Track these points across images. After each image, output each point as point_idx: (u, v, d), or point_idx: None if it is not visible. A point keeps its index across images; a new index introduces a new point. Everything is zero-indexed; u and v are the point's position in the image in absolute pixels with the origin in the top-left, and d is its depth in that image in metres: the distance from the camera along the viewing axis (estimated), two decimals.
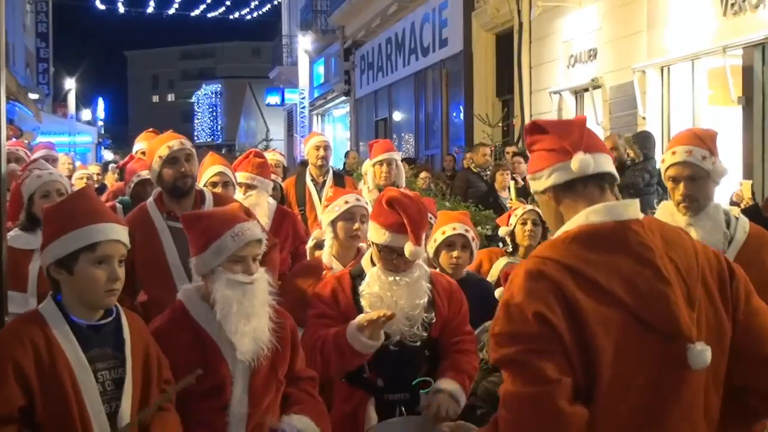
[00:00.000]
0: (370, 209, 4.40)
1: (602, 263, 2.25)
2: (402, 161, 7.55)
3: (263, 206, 5.66)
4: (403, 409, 3.87)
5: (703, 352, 2.21)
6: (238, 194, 5.63)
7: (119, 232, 2.96)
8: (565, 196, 2.44)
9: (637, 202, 2.39)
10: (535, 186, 2.52)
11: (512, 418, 2.22)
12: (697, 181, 3.64)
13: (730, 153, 9.42)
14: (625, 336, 2.21)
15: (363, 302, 3.89)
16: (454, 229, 4.69)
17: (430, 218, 4.61)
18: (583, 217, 2.34)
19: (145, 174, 6.08)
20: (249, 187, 5.72)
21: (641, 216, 2.37)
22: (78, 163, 16.44)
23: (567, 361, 2.17)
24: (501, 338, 2.26)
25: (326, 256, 4.64)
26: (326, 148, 8.11)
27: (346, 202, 4.57)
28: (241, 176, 5.72)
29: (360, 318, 3.71)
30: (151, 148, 4.82)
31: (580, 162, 2.39)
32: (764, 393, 2.39)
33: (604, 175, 2.44)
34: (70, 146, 29.03)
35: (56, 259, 2.89)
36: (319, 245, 5.06)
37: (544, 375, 2.15)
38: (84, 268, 2.87)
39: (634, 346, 2.22)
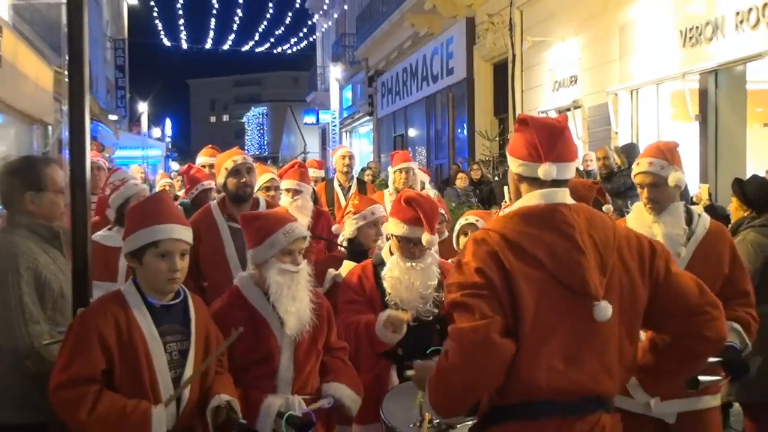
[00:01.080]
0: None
1: (531, 235, 2.40)
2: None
3: (307, 207, 5.68)
4: None
5: (605, 309, 2.35)
6: (286, 198, 5.64)
7: (180, 232, 2.96)
8: (525, 181, 2.56)
9: (566, 191, 2.51)
10: (509, 163, 2.63)
11: (456, 346, 2.35)
12: (657, 187, 3.60)
13: (689, 161, 9.36)
14: (545, 291, 2.36)
15: (385, 284, 3.91)
16: (466, 219, 4.75)
17: (443, 213, 4.67)
18: (525, 200, 2.51)
19: (206, 184, 6.21)
20: (295, 192, 5.73)
21: (570, 201, 2.50)
22: (175, 169, 16.51)
23: (500, 305, 2.33)
24: (452, 287, 2.44)
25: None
26: (351, 157, 8.14)
27: (373, 213, 4.64)
28: (289, 183, 5.70)
29: (386, 315, 3.72)
30: (219, 161, 4.87)
31: (545, 172, 2.49)
32: (697, 335, 2.52)
33: (561, 181, 2.53)
34: (143, 159, 29.10)
35: (130, 251, 2.92)
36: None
37: (481, 313, 2.32)
38: (150, 260, 2.89)
39: (554, 299, 2.37)
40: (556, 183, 2.51)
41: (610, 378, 2.39)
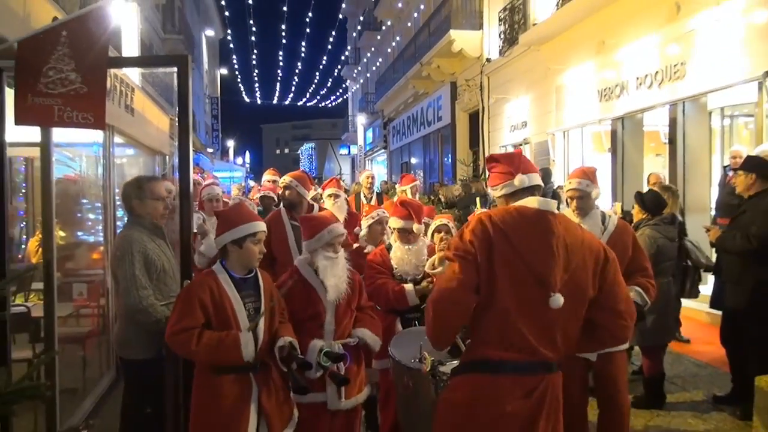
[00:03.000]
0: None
1: (519, 228, 2.20)
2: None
3: (343, 207, 5.70)
4: (417, 323, 3.83)
5: (558, 299, 2.14)
6: (329, 201, 5.65)
7: (264, 227, 3.00)
8: (511, 199, 2.34)
9: (555, 202, 2.29)
10: (494, 193, 2.43)
11: (436, 289, 2.25)
12: (582, 199, 3.58)
13: (603, 181, 9.40)
14: (517, 273, 2.16)
15: (393, 262, 3.93)
16: (440, 221, 4.41)
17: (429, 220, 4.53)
18: (526, 201, 2.28)
19: (266, 192, 6.57)
20: (335, 196, 5.75)
21: (557, 211, 2.28)
22: (252, 185, 16.50)
23: (475, 270, 2.16)
24: (450, 245, 2.26)
25: (363, 240, 4.69)
26: (372, 178, 8.23)
27: (378, 215, 4.59)
28: (330, 190, 5.75)
29: (412, 287, 3.81)
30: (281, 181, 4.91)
31: (519, 180, 2.33)
32: (611, 331, 2.29)
33: (534, 186, 2.37)
34: (230, 179, 29.24)
35: (233, 240, 2.90)
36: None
37: (458, 270, 2.17)
38: (248, 245, 2.89)
39: (522, 281, 2.16)
40: (533, 190, 2.33)
41: (553, 348, 2.22)
